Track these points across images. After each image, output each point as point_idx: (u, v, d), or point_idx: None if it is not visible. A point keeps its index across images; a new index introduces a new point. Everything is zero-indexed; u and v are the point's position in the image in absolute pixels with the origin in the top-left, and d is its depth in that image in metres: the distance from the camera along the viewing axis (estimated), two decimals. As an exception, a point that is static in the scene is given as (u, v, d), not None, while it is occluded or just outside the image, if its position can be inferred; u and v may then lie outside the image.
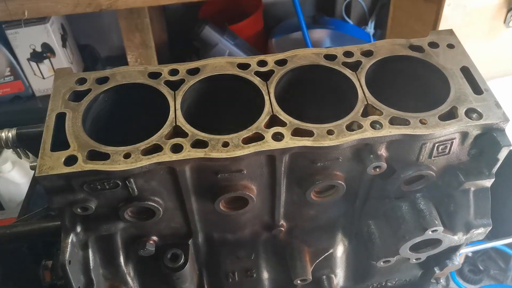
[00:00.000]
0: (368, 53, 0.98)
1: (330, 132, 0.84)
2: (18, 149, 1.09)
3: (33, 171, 1.27)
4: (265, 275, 1.13)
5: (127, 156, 0.82)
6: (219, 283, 1.11)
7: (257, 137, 0.85)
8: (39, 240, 0.91)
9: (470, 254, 2.50)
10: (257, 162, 0.87)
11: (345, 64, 0.96)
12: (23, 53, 2.65)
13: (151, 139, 0.84)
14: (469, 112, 0.87)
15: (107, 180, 0.82)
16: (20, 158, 1.11)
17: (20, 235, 0.88)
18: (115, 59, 3.01)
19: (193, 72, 0.96)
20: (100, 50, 3.09)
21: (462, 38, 1.02)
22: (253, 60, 0.97)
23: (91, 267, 0.93)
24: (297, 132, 0.85)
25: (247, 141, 0.84)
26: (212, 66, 0.97)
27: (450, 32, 1.03)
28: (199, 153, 0.82)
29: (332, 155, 0.87)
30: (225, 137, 0.84)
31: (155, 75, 0.96)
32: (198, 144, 0.84)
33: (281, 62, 0.97)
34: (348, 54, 0.98)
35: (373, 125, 0.85)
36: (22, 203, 1.16)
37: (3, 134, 1.07)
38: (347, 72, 0.94)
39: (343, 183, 0.91)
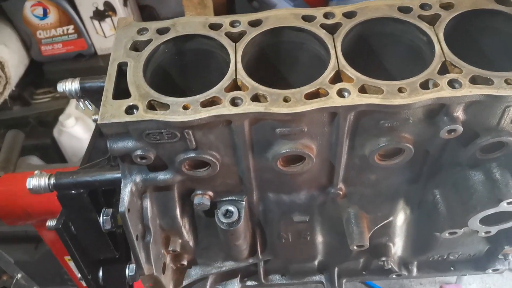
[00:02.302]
0: (448, 6, 0.89)
1: (401, 90, 0.77)
2: (81, 99, 1.11)
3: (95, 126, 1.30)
4: (319, 238, 1.10)
5: (186, 107, 0.80)
6: (272, 243, 1.10)
7: (321, 93, 0.80)
8: (99, 188, 0.93)
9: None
10: (319, 120, 0.82)
11: (421, 18, 0.87)
12: (86, 11, 2.71)
13: (210, 92, 0.82)
14: None
15: (166, 130, 0.81)
16: (83, 109, 1.12)
17: (82, 182, 0.90)
18: (173, 19, 3.01)
19: (255, 24, 0.92)
20: (160, 10, 3.10)
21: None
22: (319, 12, 0.91)
23: (149, 217, 0.94)
24: (365, 89, 0.79)
25: (310, 97, 0.79)
26: (275, 17, 0.92)
27: (545, -17, 0.91)
28: (259, 107, 0.79)
29: (401, 116, 0.80)
30: (287, 92, 0.80)
31: (215, 26, 0.92)
32: (258, 98, 0.81)
33: (350, 15, 0.90)
34: (425, 6, 0.89)
35: (452, 83, 0.77)
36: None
37: (67, 83, 1.08)
38: (424, 25, 0.86)
39: (411, 147, 0.85)
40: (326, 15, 0.90)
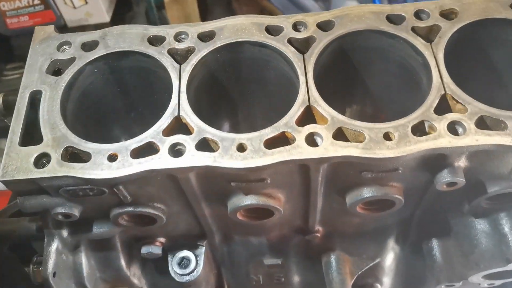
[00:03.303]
0: (450, 14, 0.69)
1: (388, 137, 0.60)
2: (6, 119, 0.92)
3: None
4: (296, 278, 0.95)
5: (113, 158, 0.62)
6: (240, 284, 0.95)
7: (286, 139, 0.62)
8: (19, 242, 0.77)
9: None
10: (285, 170, 0.64)
11: (416, 31, 0.68)
12: (52, -19, 2.45)
13: (144, 135, 0.64)
14: None
15: (89, 187, 0.64)
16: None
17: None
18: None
19: (207, 36, 0.72)
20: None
21: None
22: (288, 21, 0.71)
23: (85, 274, 0.78)
24: (342, 134, 0.61)
25: (272, 143, 0.61)
26: (232, 28, 0.72)
27: None
28: (205, 160, 0.61)
29: (388, 167, 0.63)
30: (242, 137, 0.62)
31: (157, 40, 0.73)
32: (207, 143, 0.63)
33: (325, 25, 0.70)
34: (421, 14, 0.69)
35: (453, 127, 0.60)
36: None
37: (-12, 101, 0.89)
38: (419, 42, 0.67)
39: (401, 198, 0.68)
40: (296, 26, 0.71)
